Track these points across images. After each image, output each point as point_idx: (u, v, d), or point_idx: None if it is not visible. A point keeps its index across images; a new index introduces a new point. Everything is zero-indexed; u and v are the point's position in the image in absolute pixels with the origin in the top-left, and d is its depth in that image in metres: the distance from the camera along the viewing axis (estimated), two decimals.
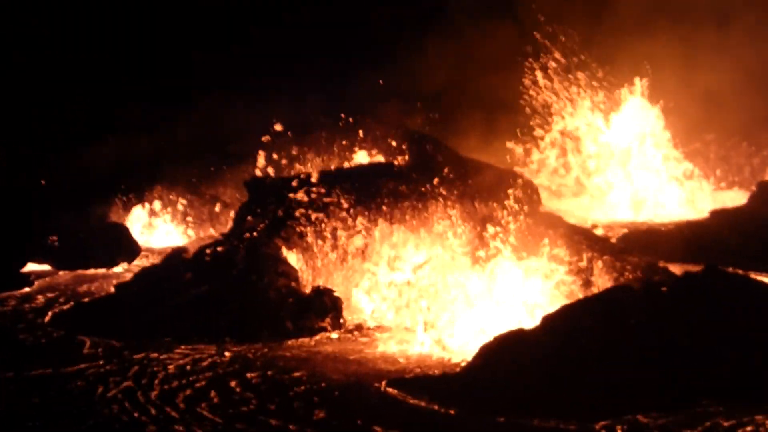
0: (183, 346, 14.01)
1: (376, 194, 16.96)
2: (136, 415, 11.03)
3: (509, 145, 23.07)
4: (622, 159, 21.39)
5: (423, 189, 17.00)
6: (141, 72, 27.03)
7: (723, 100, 21.33)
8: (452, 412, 11.03)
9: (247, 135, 22.24)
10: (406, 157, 17.95)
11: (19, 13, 27.06)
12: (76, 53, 27.11)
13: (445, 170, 17.12)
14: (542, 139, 23.22)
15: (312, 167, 19.86)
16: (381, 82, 23.05)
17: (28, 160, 24.31)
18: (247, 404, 11.40)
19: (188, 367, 12.98)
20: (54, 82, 26.36)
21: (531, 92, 23.05)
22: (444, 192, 16.87)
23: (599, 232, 16.29)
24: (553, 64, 22.99)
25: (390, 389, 11.84)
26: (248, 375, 12.57)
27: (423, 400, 11.34)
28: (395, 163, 17.97)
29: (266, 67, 26.38)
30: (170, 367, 12.99)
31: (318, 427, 10.63)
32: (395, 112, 21.40)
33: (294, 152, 20.71)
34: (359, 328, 15.35)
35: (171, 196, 23.88)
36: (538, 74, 23.08)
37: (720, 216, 15.94)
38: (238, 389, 11.98)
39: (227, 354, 13.63)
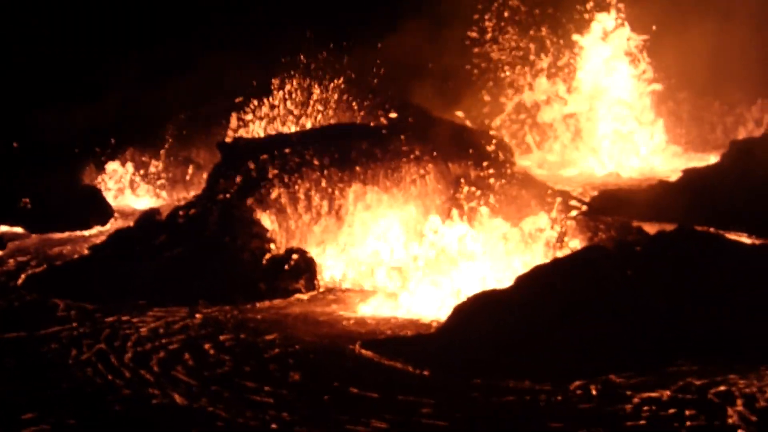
0: (156, 309, 14.01)
1: (350, 155, 16.97)
2: (110, 378, 11.04)
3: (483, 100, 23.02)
4: (591, 118, 21.31)
5: (397, 150, 17.01)
6: (114, 35, 26.77)
7: (695, 59, 21.29)
8: (426, 373, 11.10)
9: (221, 96, 22.23)
10: (382, 119, 17.89)
11: None
12: (48, 15, 26.82)
13: (419, 131, 17.14)
14: (509, 98, 23.22)
15: (286, 129, 19.83)
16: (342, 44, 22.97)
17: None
18: (222, 366, 11.42)
19: (161, 330, 12.99)
20: (28, 43, 26.12)
21: (494, 53, 23.06)
22: (417, 153, 16.93)
23: (573, 191, 16.33)
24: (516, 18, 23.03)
25: (364, 351, 11.90)
26: (221, 338, 12.60)
27: (398, 362, 11.41)
28: (371, 124, 17.93)
29: (241, 30, 26.20)
30: (143, 329, 13.01)
31: (294, 389, 10.65)
32: (369, 77, 21.33)
33: (268, 113, 20.64)
34: (333, 290, 15.40)
35: (144, 158, 23.67)
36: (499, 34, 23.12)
37: (692, 175, 15.94)
38: (212, 352, 12.01)
39: (198, 316, 13.65)
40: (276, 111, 20.39)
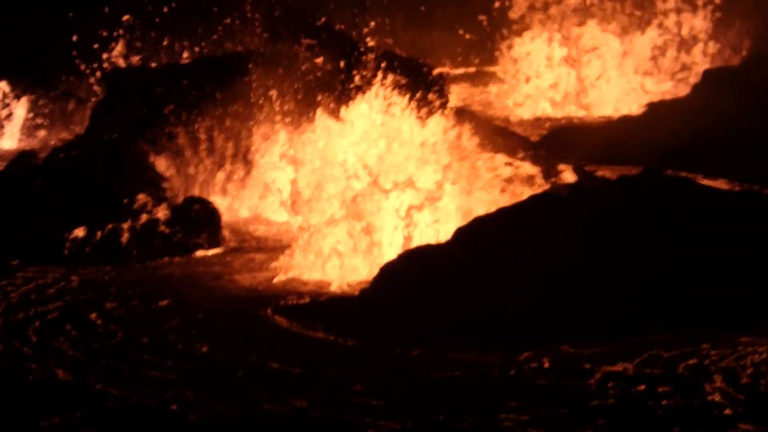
0: (28, 269, 13.43)
1: (258, 88, 16.41)
2: None
3: None
4: (545, 46, 20.82)
5: (313, 79, 16.52)
6: None
7: None
8: (352, 342, 10.55)
9: (106, 16, 21.22)
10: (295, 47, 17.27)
11: None
12: None
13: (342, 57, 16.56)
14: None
15: (184, 56, 19.31)
16: None
17: None
18: (113, 338, 10.71)
19: (33, 296, 12.28)
20: None
21: None
22: (339, 87, 16.24)
23: (520, 129, 15.82)
24: None
25: (278, 317, 11.28)
26: (108, 305, 11.86)
27: (318, 331, 10.85)
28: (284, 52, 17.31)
29: None
30: (13, 295, 12.30)
31: (201, 364, 9.97)
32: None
33: (161, 38, 19.89)
34: (240, 246, 14.85)
35: (15, 91, 22.69)
36: None
37: (658, 110, 15.42)
38: (99, 321, 11.25)
39: (75, 278, 13.04)
40: (171, 34, 19.69)
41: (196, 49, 19.82)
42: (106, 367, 9.85)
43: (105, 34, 21.53)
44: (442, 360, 9.89)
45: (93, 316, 11.43)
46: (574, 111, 18.79)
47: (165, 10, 20.61)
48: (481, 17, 22.02)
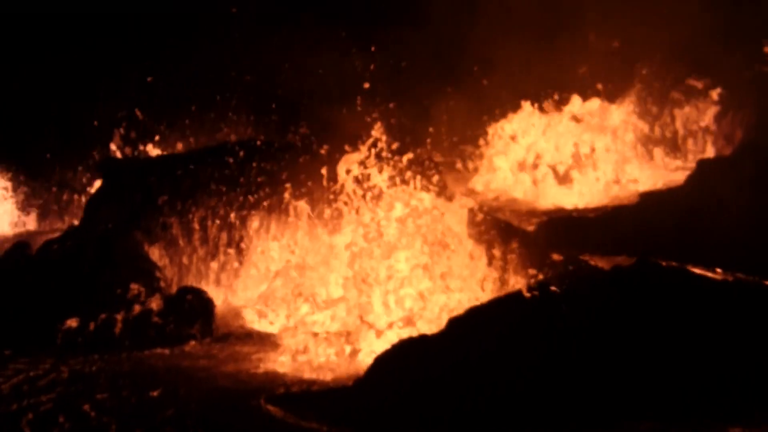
0: (22, 360, 13.35)
1: (252, 177, 16.57)
2: None
3: None
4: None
5: (306, 170, 16.54)
6: None
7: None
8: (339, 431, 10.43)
9: (99, 107, 21.38)
10: (289, 135, 17.49)
11: None
12: None
13: (325, 148, 16.61)
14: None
15: (178, 146, 19.33)
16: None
17: None
18: (107, 429, 10.59)
19: (25, 387, 12.14)
20: None
21: None
22: (329, 173, 16.19)
23: (514, 220, 15.85)
24: None
25: (271, 407, 11.16)
26: (99, 396, 11.71)
27: (311, 421, 10.70)
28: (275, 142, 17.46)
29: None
30: (4, 386, 12.18)
31: None
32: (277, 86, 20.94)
33: (156, 129, 20.00)
34: (233, 335, 14.77)
35: (9, 181, 22.72)
36: None
37: (652, 199, 15.49)
38: (92, 413, 11.11)
39: (64, 368, 12.94)
40: (167, 126, 19.84)
41: (191, 139, 19.87)
42: None
43: (98, 124, 21.73)
44: None
45: (86, 407, 11.26)
46: (566, 201, 18.83)
47: (158, 101, 20.79)
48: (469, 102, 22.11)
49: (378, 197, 14.75)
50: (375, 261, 14.29)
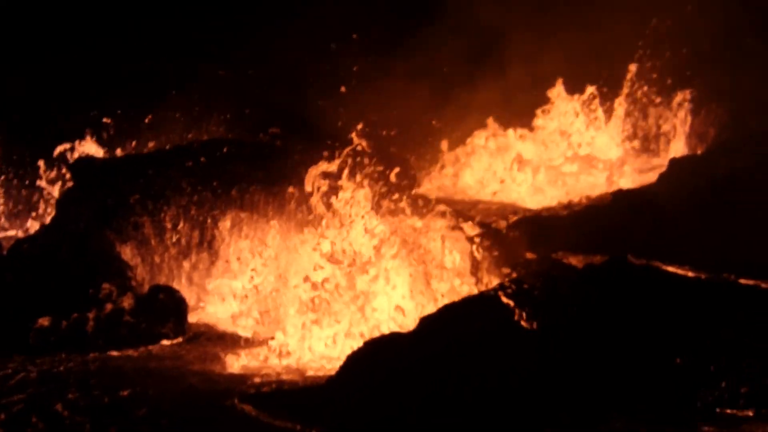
0: None
1: (224, 177, 16.58)
2: None
3: None
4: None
5: (279, 171, 16.63)
6: None
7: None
8: (312, 429, 10.50)
9: (72, 107, 21.33)
10: (261, 135, 17.47)
11: None
12: None
13: (308, 148, 16.62)
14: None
15: (149, 146, 19.30)
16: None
17: None
18: (81, 429, 10.58)
19: None
20: None
21: None
22: (302, 174, 16.02)
23: (486, 219, 15.90)
24: None
25: (245, 405, 11.20)
26: (71, 396, 11.67)
27: (286, 420, 10.76)
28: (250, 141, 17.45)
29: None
30: None
31: None
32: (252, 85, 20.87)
33: (128, 128, 20.02)
34: (205, 334, 14.83)
35: None
36: None
37: (624, 199, 15.54)
38: (65, 413, 11.09)
39: (32, 368, 12.92)
40: (139, 125, 19.76)
41: (162, 137, 19.86)
42: None
43: (69, 126, 21.65)
44: None
45: (58, 407, 11.24)
46: (541, 200, 18.86)
47: (129, 100, 20.74)
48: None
49: (348, 202, 14.77)
50: (345, 268, 14.40)
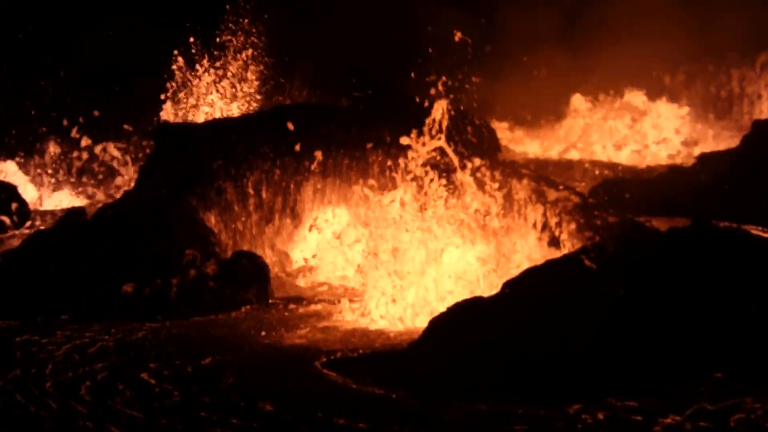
0: (68, 327, 13.50)
1: (307, 142, 16.60)
2: (32, 409, 10.16)
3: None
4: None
5: (363, 136, 16.68)
6: None
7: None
8: (406, 397, 10.47)
9: (154, 73, 21.69)
10: (344, 99, 17.57)
11: None
12: None
13: (390, 112, 16.75)
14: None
15: (233, 110, 19.41)
16: None
17: None
18: (170, 397, 10.51)
19: (76, 356, 12.14)
20: None
21: None
22: (388, 139, 16.42)
23: (569, 182, 15.92)
24: None
25: (327, 371, 11.34)
26: (152, 365, 11.71)
27: (373, 385, 10.83)
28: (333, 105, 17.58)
29: None
30: (58, 354, 12.21)
31: (270, 423, 9.80)
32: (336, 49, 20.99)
33: (210, 92, 20.21)
34: (288, 300, 15.01)
35: (64, 149, 23.12)
36: None
37: (708, 162, 15.42)
38: (152, 381, 11.08)
39: (112, 332, 13.15)
40: (221, 89, 19.97)
41: (245, 102, 19.98)
42: (166, 426, 9.63)
43: (151, 93, 22.05)
44: (505, 413, 9.85)
45: (144, 375, 11.25)
46: (628, 160, 18.84)
47: (206, 65, 20.95)
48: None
49: (431, 166, 14.83)
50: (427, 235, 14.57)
